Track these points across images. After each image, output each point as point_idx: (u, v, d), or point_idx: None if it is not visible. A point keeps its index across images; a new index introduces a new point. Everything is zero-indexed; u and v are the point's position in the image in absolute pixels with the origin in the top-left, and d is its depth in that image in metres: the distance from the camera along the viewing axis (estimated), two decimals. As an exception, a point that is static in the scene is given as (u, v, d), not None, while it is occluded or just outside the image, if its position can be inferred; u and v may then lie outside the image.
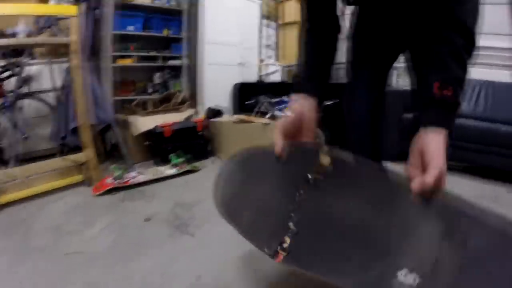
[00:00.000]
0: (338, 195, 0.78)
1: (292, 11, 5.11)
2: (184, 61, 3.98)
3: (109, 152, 2.98)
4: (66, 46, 2.19)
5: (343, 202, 0.77)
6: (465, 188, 2.49)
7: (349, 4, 1.12)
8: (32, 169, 2.12)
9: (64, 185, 2.21)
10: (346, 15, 1.18)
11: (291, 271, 1.32)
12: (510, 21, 3.61)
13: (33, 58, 2.67)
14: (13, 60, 2.44)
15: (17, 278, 1.30)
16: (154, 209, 1.95)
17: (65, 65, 2.48)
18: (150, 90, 3.82)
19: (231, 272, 1.38)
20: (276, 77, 4.82)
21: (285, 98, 3.64)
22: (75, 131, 2.31)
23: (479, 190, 2.54)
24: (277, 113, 3.40)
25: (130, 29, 3.54)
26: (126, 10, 3.48)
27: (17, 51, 2.51)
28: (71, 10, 2.18)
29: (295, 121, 0.89)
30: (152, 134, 2.81)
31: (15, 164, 2.25)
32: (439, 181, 0.65)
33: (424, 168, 0.68)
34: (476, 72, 3.49)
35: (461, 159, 2.94)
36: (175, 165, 2.58)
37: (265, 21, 5.02)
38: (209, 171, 2.69)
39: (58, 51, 2.73)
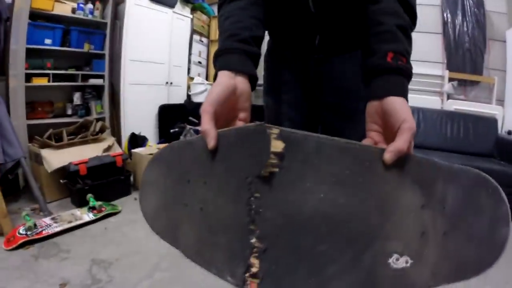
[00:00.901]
0: (302, 186, 0.59)
1: (224, 27, 5.06)
2: (106, 80, 3.74)
3: (24, 190, 2.78)
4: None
5: (310, 193, 0.59)
6: None
7: None
8: None
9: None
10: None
11: None
12: (442, 49, 3.92)
13: None
14: None
15: None
16: (70, 270, 1.83)
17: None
18: (69, 112, 3.58)
19: None
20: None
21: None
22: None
23: None
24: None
25: (47, 43, 3.26)
26: (42, 22, 3.20)
27: None
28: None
29: (226, 99, 0.64)
30: (66, 172, 2.64)
31: None
32: (411, 145, 0.57)
33: (389, 134, 0.61)
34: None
35: None
36: (92, 209, 2.44)
37: (196, 37, 4.91)
38: (130, 212, 2.60)
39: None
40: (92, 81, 3.66)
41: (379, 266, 0.57)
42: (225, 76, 0.66)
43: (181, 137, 3.56)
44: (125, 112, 3.80)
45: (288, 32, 1.05)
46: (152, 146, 3.47)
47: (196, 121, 3.92)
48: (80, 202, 2.54)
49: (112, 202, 2.70)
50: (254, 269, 0.58)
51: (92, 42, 3.60)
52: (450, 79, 3.98)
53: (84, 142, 2.91)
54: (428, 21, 3.97)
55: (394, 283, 0.57)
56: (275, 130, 0.56)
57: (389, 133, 0.60)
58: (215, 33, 5.16)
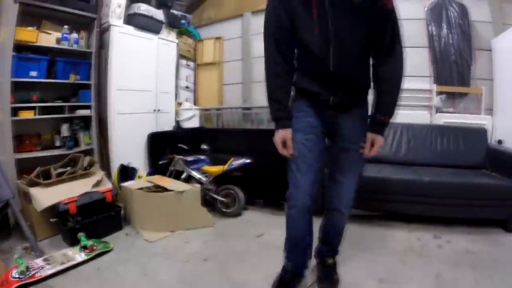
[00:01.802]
0: None
1: (210, 51, 5.12)
2: (93, 111, 3.72)
3: (15, 228, 2.73)
4: None
5: None
6: (392, 243, 2.71)
7: None
8: None
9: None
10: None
11: None
12: (429, 63, 3.99)
13: None
14: None
15: None
16: None
17: None
18: (58, 144, 3.57)
19: None
20: (194, 123, 4.76)
21: (200, 156, 3.58)
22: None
23: (406, 242, 2.75)
24: (193, 173, 3.35)
25: (33, 75, 3.26)
26: (27, 54, 3.19)
27: None
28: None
29: (285, 139, 1.71)
30: (56, 211, 2.60)
31: None
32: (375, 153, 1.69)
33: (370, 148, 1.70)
34: (396, 115, 3.78)
35: (387, 209, 3.15)
36: (84, 248, 2.41)
37: (183, 61, 4.93)
38: (123, 251, 2.57)
39: None
40: (80, 112, 3.65)
41: None
42: (285, 130, 1.71)
43: (171, 168, 3.55)
44: (114, 142, 3.79)
45: (311, 89, 1.70)
46: (142, 178, 3.46)
47: (186, 147, 3.90)
48: (72, 241, 2.50)
49: (104, 239, 2.67)
50: None
51: (78, 73, 3.60)
52: (438, 93, 4.04)
53: (73, 178, 2.87)
54: (413, 36, 4.03)
55: None
56: None
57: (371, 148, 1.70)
58: (201, 56, 5.22)
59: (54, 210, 2.61)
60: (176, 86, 4.85)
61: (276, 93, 1.70)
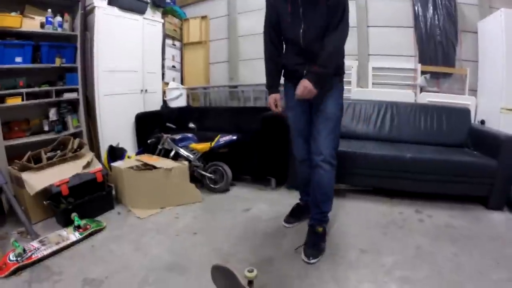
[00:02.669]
0: None
1: (196, 30, 5.11)
2: (80, 94, 3.75)
3: (9, 213, 2.79)
4: None
5: None
6: (375, 217, 2.85)
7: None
8: None
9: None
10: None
11: None
12: (414, 43, 4.07)
13: None
14: None
15: None
16: None
17: None
18: (46, 128, 3.60)
19: None
20: (182, 102, 4.80)
21: (188, 134, 3.65)
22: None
23: (388, 215, 2.88)
24: (181, 151, 3.42)
25: (18, 61, 3.25)
26: (11, 39, 3.18)
27: None
28: None
29: (276, 100, 2.32)
30: (49, 193, 2.67)
31: None
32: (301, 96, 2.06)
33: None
34: (381, 93, 3.90)
35: (370, 184, 3.30)
36: (78, 227, 2.50)
37: (169, 41, 4.93)
38: (115, 228, 2.67)
39: None
40: (67, 96, 3.67)
41: None
42: (274, 95, 2.35)
43: (159, 147, 3.62)
44: (102, 124, 3.85)
45: (291, 68, 2.27)
46: (131, 157, 3.53)
47: (174, 126, 3.97)
48: (66, 221, 2.58)
49: (97, 218, 2.76)
50: None
51: (63, 56, 3.60)
52: (423, 72, 4.12)
53: (64, 160, 2.94)
54: (399, 16, 4.12)
55: None
56: None
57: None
58: (187, 36, 5.21)
59: (46, 193, 2.68)
60: (163, 66, 4.87)
61: (269, 71, 2.34)
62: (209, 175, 3.44)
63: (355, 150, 3.17)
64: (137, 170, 3.05)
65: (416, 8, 4.10)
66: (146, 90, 4.42)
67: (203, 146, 3.43)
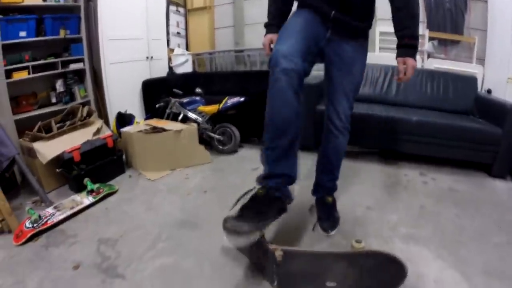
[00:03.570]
0: None
1: (201, -5, 4.99)
2: (86, 63, 3.75)
3: (22, 184, 2.85)
4: None
5: None
6: (381, 177, 2.89)
7: None
8: None
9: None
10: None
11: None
12: (423, 9, 3.97)
13: None
14: None
15: None
16: (80, 252, 1.96)
17: None
18: (54, 100, 3.61)
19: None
20: (187, 68, 4.77)
21: (195, 97, 3.65)
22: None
23: (393, 176, 2.91)
24: (189, 114, 3.42)
25: (22, 36, 3.23)
26: (14, 15, 3.16)
27: None
28: None
29: (272, 41, 1.89)
30: (61, 161, 2.72)
31: None
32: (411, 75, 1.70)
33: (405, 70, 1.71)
34: (388, 58, 3.78)
35: (377, 146, 3.32)
36: (91, 192, 2.56)
37: (173, 7, 4.86)
38: (127, 191, 2.73)
39: None
40: (73, 66, 3.66)
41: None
42: (272, 34, 1.90)
43: (167, 111, 3.63)
44: (109, 92, 3.85)
45: (312, 1, 1.72)
46: (140, 123, 3.55)
47: (181, 92, 3.96)
48: (78, 187, 2.64)
49: (109, 183, 2.82)
50: None
51: (67, 27, 3.56)
52: (431, 38, 4.03)
53: (74, 128, 2.98)
54: None
55: None
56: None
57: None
58: (191, 1, 5.13)
59: (58, 161, 2.73)
60: (167, 33, 4.82)
61: (271, 8, 1.94)
62: (217, 136, 3.46)
63: (362, 111, 3.15)
64: (146, 133, 3.07)
65: (426, -26, 3.95)
66: (151, 57, 4.39)
67: (211, 108, 3.44)
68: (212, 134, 3.46)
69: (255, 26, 4.74)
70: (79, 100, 3.73)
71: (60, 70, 3.56)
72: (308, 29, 1.67)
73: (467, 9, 3.91)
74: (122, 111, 3.81)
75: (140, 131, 3.09)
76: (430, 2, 3.99)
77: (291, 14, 1.86)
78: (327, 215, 2.10)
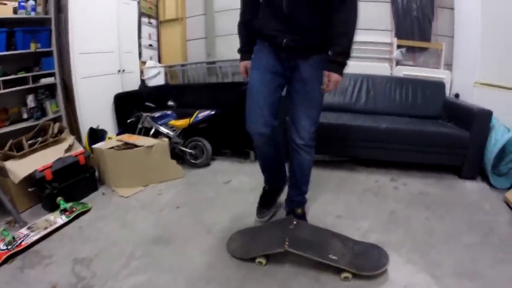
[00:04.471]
0: None
1: (172, 6, 5.04)
2: (57, 78, 3.74)
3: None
4: None
5: None
6: (351, 185, 3.00)
7: None
8: None
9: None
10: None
11: None
12: (391, 17, 4.14)
13: None
14: None
15: None
16: (55, 273, 1.98)
17: None
18: (25, 116, 3.59)
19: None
20: (160, 80, 4.81)
21: (167, 111, 3.71)
22: None
23: (364, 183, 3.03)
24: (161, 129, 3.47)
25: (-8, 49, 3.22)
26: (-17, 28, 3.14)
27: None
28: None
29: (247, 67, 2.15)
30: (33, 180, 2.72)
31: None
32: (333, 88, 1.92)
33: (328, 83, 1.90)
34: (357, 66, 3.91)
35: (347, 154, 3.42)
36: (64, 211, 2.57)
37: (145, 20, 4.88)
38: (101, 209, 2.75)
39: None
40: (44, 81, 3.64)
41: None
42: (245, 61, 2.18)
43: (139, 126, 3.67)
44: (81, 107, 3.84)
45: (267, 32, 1.96)
46: (112, 138, 3.58)
47: (153, 105, 4.00)
48: (52, 206, 2.65)
49: (82, 201, 2.84)
50: None
51: (38, 41, 3.54)
52: (399, 46, 4.21)
53: (45, 146, 2.98)
54: None
55: None
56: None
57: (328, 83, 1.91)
58: (163, 13, 5.15)
59: (31, 180, 2.72)
60: (139, 45, 4.83)
61: (241, 35, 2.18)
62: (189, 150, 3.53)
63: (332, 121, 3.28)
64: (118, 150, 3.10)
65: (393, -17, 4.13)
66: (123, 70, 4.40)
67: (182, 123, 3.50)
68: (184, 148, 3.52)
69: (227, 37, 4.83)
70: (50, 115, 3.72)
71: (31, 85, 3.53)
72: (268, 79, 2.03)
73: (434, 16, 4.12)
74: (94, 126, 3.83)
75: (112, 147, 3.12)
76: (397, 10, 4.17)
77: (255, 49, 2.12)
78: None
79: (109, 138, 3.70)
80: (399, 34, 4.21)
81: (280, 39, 1.91)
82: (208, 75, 5.02)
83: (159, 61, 5.18)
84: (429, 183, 3.03)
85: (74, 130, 3.91)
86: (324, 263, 1.78)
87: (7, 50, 3.31)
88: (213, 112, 3.51)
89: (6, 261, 2.09)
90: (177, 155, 3.51)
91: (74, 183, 2.89)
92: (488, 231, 2.26)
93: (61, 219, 2.52)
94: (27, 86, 3.51)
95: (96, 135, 3.74)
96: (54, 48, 3.70)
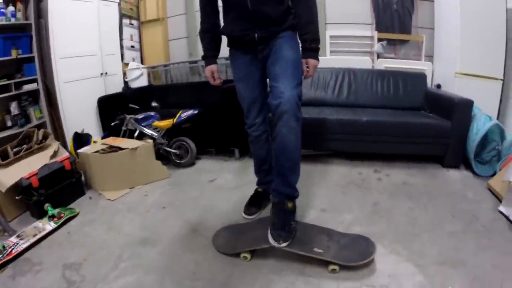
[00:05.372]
0: None
1: (153, 7, 5.04)
2: (40, 84, 3.75)
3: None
4: None
5: None
6: (335, 178, 3.05)
7: None
8: None
9: None
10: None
11: None
12: (371, 11, 4.19)
13: None
14: None
15: None
16: (46, 279, 2.01)
17: None
18: (9, 123, 3.61)
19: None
20: (143, 82, 4.83)
21: (150, 113, 3.75)
22: None
23: (348, 176, 3.08)
24: (145, 130, 3.51)
25: (-27, 58, 3.21)
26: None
27: None
28: None
29: (213, 72, 2.23)
30: (20, 188, 2.74)
31: None
32: (313, 73, 2.00)
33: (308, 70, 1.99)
34: (339, 60, 4.05)
35: (330, 148, 3.46)
36: (52, 217, 2.61)
37: (126, 21, 4.88)
38: (88, 213, 2.79)
39: None
40: (26, 87, 3.65)
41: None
42: (211, 66, 2.24)
43: (123, 128, 3.70)
44: (65, 112, 3.88)
45: (237, 34, 2.08)
46: (97, 142, 3.61)
47: (137, 107, 4.03)
48: (40, 213, 2.68)
49: (69, 206, 2.88)
50: None
51: (19, 47, 3.55)
52: (380, 40, 4.28)
53: (31, 153, 3.00)
54: None
55: None
56: None
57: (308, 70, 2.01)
58: (144, 14, 5.15)
59: (18, 188, 2.74)
60: (121, 47, 4.84)
61: (204, 41, 2.24)
62: (174, 151, 3.58)
63: (314, 116, 3.34)
64: (103, 153, 3.13)
65: (373, -23, 4.19)
66: (106, 73, 4.42)
67: (166, 123, 3.54)
68: (169, 149, 3.57)
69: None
70: (34, 121, 3.74)
71: (14, 92, 3.54)
72: (252, 84, 2.20)
73: (414, 9, 4.19)
74: (79, 130, 3.85)
75: (97, 151, 3.15)
76: (378, 4, 4.24)
77: (230, 57, 2.27)
78: (282, 223, 1.90)
79: (94, 142, 3.73)
80: (379, 28, 4.28)
81: (251, 35, 2.02)
82: (190, 75, 5.04)
83: (142, 62, 5.19)
84: (412, 173, 3.10)
85: (59, 135, 3.92)
86: (309, 257, 1.85)
87: (-13, 58, 3.29)
88: (196, 112, 3.56)
89: (-3, 270, 2.13)
90: (162, 156, 3.55)
91: (61, 189, 2.92)
92: (471, 218, 2.32)
93: (49, 226, 2.55)
94: (10, 94, 3.52)
95: (81, 139, 3.77)
96: (35, 53, 3.71)
